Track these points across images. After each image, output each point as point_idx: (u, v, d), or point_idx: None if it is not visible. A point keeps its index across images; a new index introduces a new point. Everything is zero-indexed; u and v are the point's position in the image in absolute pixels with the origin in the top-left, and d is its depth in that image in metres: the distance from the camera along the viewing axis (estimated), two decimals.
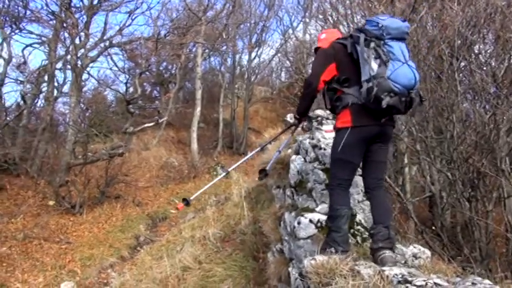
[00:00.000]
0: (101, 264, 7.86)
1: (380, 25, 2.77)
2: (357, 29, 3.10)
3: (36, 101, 14.17)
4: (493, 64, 5.58)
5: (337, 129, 2.98)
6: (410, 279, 2.01)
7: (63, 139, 12.34)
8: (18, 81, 13.72)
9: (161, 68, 20.12)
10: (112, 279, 7.26)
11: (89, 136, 11.86)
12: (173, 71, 19.73)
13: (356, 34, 2.88)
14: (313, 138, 4.56)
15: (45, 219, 9.28)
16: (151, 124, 14.65)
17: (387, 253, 2.62)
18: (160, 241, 8.52)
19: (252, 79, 19.23)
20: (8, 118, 12.19)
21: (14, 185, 10.82)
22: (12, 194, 10.41)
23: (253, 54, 18.73)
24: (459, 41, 5.23)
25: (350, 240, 3.31)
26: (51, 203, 10.02)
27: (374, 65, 2.72)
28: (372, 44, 2.77)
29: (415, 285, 1.89)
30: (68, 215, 9.87)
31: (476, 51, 5.81)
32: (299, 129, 4.24)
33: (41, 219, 9.23)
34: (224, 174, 5.19)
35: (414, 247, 3.12)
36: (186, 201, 4.07)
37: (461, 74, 5.82)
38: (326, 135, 4.65)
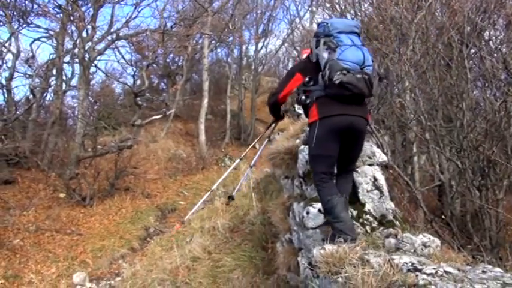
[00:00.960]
0: (112, 255, 7.96)
1: (327, 24, 3.05)
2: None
3: (45, 95, 14.30)
4: (504, 50, 5.49)
5: (308, 126, 3.15)
6: (420, 267, 2.00)
7: (72, 132, 12.45)
8: (27, 75, 13.85)
9: (168, 60, 20.14)
10: (123, 269, 7.35)
11: (97, 129, 11.94)
12: (180, 63, 19.74)
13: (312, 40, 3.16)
14: None
15: (56, 211, 9.40)
16: (159, 116, 14.71)
17: None
18: (170, 232, 8.60)
19: (259, 70, 19.18)
20: (17, 112, 12.29)
21: (25, 178, 10.96)
22: (23, 187, 10.55)
23: (260, 45, 18.67)
24: (469, 28, 5.15)
25: (359, 230, 3.31)
26: (62, 195, 10.15)
27: (325, 55, 2.95)
28: (322, 40, 3.01)
29: (425, 273, 1.88)
30: (79, 207, 9.99)
31: (486, 38, 5.72)
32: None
33: (52, 211, 9.36)
34: (237, 162, 5.24)
35: (424, 236, 3.10)
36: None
37: (471, 61, 5.74)
38: None
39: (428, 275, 1.84)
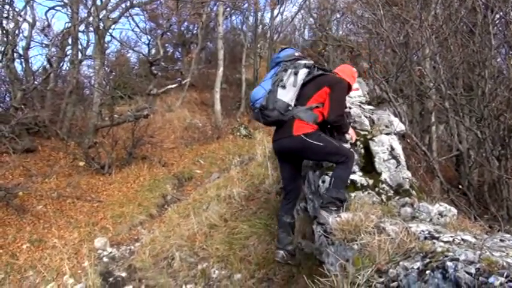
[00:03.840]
0: (131, 222, 8.18)
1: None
2: None
3: (61, 64, 14.38)
4: None
5: None
6: (437, 235, 2.00)
7: (89, 102, 12.57)
8: (43, 45, 13.92)
9: (182, 28, 19.92)
10: (142, 235, 7.57)
11: (114, 98, 12.02)
12: (195, 31, 19.51)
13: None
14: None
15: (76, 179, 9.64)
16: (175, 85, 14.70)
17: (321, 212, 3.23)
18: (187, 200, 8.77)
19: (275, 38, 18.82)
20: (36, 82, 12.43)
21: (46, 146, 11.20)
22: (44, 155, 10.80)
23: (275, 12, 18.24)
24: None
25: (375, 199, 3.33)
26: (81, 163, 10.37)
27: None
28: None
29: (442, 241, 1.88)
30: (98, 175, 10.22)
31: None
32: None
33: (73, 179, 9.60)
34: None
35: (440, 205, 3.10)
36: None
37: (495, 27, 5.52)
38: (352, 93, 4.57)
39: (445, 242, 1.84)
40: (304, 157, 3.64)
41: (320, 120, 3.37)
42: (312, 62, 3.59)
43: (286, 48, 3.77)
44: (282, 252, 3.62)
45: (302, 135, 3.28)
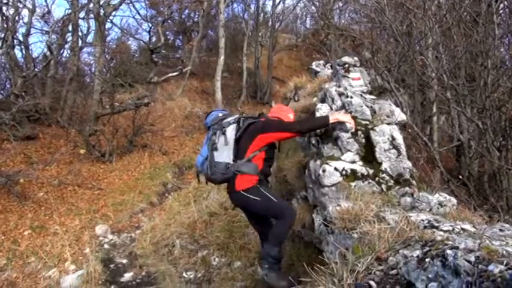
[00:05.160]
0: (132, 209, 8.23)
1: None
2: None
3: (62, 51, 14.32)
4: None
5: None
6: (436, 224, 2.01)
7: (90, 89, 12.54)
8: (44, 31, 13.85)
9: (183, 16, 19.77)
10: (143, 223, 7.62)
11: (114, 86, 11.98)
12: (196, 19, 19.36)
13: None
14: (339, 86, 4.47)
15: (77, 166, 9.67)
16: (175, 74, 14.64)
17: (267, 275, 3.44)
18: (187, 188, 8.80)
19: (276, 26, 18.68)
20: (36, 69, 12.39)
21: (46, 134, 11.21)
22: (45, 142, 10.82)
23: (277, 0, 18.06)
24: None
25: (375, 188, 3.34)
26: (82, 151, 10.38)
27: None
28: None
29: (441, 230, 1.89)
30: (99, 163, 10.25)
31: None
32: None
33: (74, 166, 9.63)
34: None
35: (440, 195, 3.10)
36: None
37: (499, 17, 5.47)
38: (353, 82, 4.55)
39: (445, 231, 1.85)
40: (250, 211, 3.77)
41: (261, 168, 3.56)
42: (237, 116, 3.75)
43: (211, 112, 3.91)
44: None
45: (241, 191, 3.47)
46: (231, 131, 3.58)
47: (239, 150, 3.54)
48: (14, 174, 8.28)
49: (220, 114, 3.76)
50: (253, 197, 3.43)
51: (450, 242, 1.56)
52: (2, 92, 13.29)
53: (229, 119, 3.68)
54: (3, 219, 7.38)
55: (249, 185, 3.48)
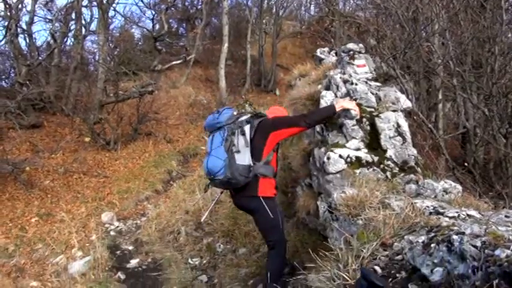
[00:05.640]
0: (137, 197, 8.29)
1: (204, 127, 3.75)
2: None
3: (65, 40, 14.29)
4: None
5: None
6: (442, 211, 2.01)
7: (94, 78, 12.54)
8: (47, 20, 13.80)
9: (187, 3, 19.60)
10: (148, 210, 7.68)
11: (118, 74, 11.98)
12: (199, 6, 19.21)
13: None
14: (344, 73, 4.44)
15: (82, 154, 9.73)
16: (179, 61, 14.59)
17: None
18: (192, 176, 8.83)
19: (280, 13, 18.49)
20: (40, 57, 12.39)
21: (51, 122, 11.26)
22: (50, 131, 10.87)
23: None
24: None
25: (380, 175, 3.34)
26: (87, 139, 10.43)
27: None
28: None
29: (447, 216, 1.90)
30: (104, 151, 10.30)
31: None
32: None
33: (79, 154, 9.69)
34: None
35: (445, 182, 3.10)
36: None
37: (507, 2, 5.39)
38: (358, 69, 4.51)
39: (450, 218, 1.85)
40: (253, 216, 3.67)
41: (276, 170, 3.60)
42: (249, 114, 3.62)
43: (223, 110, 3.66)
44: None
45: (261, 197, 3.38)
46: (247, 131, 3.40)
47: (254, 151, 3.39)
48: (20, 162, 8.35)
49: (235, 113, 3.57)
50: (269, 211, 3.37)
51: (456, 228, 1.56)
52: (6, 80, 13.34)
53: (243, 118, 3.52)
54: (10, 206, 7.47)
55: (271, 194, 3.46)
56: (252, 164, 3.33)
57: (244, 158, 3.34)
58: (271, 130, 3.47)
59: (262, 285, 3.73)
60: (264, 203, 3.37)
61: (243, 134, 3.39)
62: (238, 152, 3.32)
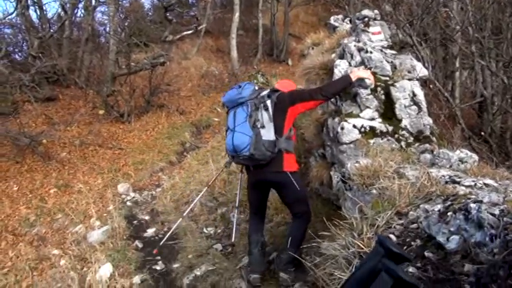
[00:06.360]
0: (151, 168, 8.41)
1: (222, 102, 3.64)
2: None
3: (76, 11, 14.15)
4: None
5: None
6: (458, 180, 2.00)
7: (106, 50, 12.49)
8: None
9: None
10: (163, 181, 7.80)
11: (130, 46, 11.91)
12: None
13: None
14: (359, 41, 4.34)
15: (97, 127, 9.83)
16: (190, 32, 14.42)
17: (281, 275, 3.42)
18: (205, 147, 8.90)
19: None
20: (51, 29, 12.35)
21: (66, 95, 11.35)
22: (64, 103, 10.98)
23: None
24: None
25: (394, 145, 3.31)
26: (101, 112, 10.52)
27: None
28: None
29: (463, 185, 1.88)
30: (118, 123, 10.39)
31: None
32: None
33: (94, 127, 9.80)
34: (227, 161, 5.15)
35: (461, 151, 3.06)
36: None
37: None
38: (373, 37, 4.40)
39: (467, 186, 1.84)
40: (278, 191, 3.64)
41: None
42: (267, 89, 3.60)
43: (244, 85, 3.57)
44: (258, 276, 3.56)
45: (288, 173, 3.39)
46: (269, 106, 3.38)
47: (276, 126, 3.37)
48: (37, 135, 8.49)
49: (256, 88, 3.54)
50: (297, 185, 3.40)
51: (473, 196, 1.56)
52: (19, 53, 13.38)
53: (264, 92, 3.49)
54: (29, 178, 7.66)
55: (296, 168, 3.48)
56: (275, 139, 3.33)
57: (269, 133, 3.33)
58: (289, 105, 3.46)
59: (276, 253, 3.78)
60: (291, 177, 3.40)
61: (266, 109, 3.38)
62: (263, 127, 3.31)
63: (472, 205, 1.41)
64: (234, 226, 4.62)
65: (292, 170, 3.42)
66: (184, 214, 5.04)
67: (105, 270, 4.64)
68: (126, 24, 14.37)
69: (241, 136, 3.31)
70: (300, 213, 3.49)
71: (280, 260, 3.48)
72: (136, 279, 4.53)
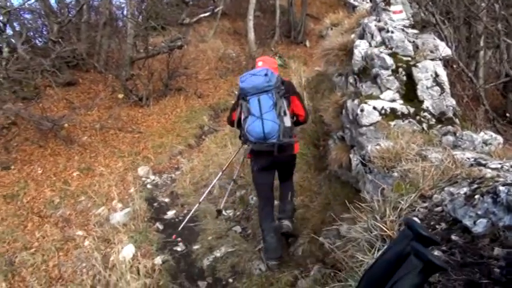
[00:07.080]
0: (171, 152, 8.50)
1: (240, 87, 3.56)
2: None
3: None
4: None
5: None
6: (484, 162, 1.95)
7: (123, 33, 12.53)
8: None
9: None
10: (182, 164, 7.88)
11: (147, 29, 11.91)
12: None
13: None
14: (379, 21, 4.24)
15: (116, 111, 9.95)
16: (207, 14, 14.32)
17: (284, 221, 3.81)
18: (224, 131, 8.92)
19: None
20: (70, 14, 12.43)
21: (85, 79, 11.48)
22: (84, 88, 11.11)
23: None
24: None
25: (415, 127, 3.26)
26: (120, 96, 10.62)
27: (242, 117, 3.61)
28: (242, 102, 3.58)
29: (489, 167, 1.84)
30: (137, 107, 10.49)
31: None
32: None
33: (113, 111, 9.91)
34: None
35: (485, 133, 2.99)
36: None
37: None
38: (394, 16, 4.30)
39: (493, 169, 1.80)
40: (284, 168, 3.96)
41: None
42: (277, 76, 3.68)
43: (268, 71, 3.55)
44: (275, 263, 3.82)
45: (296, 154, 3.91)
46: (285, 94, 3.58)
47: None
48: (59, 119, 8.65)
49: (276, 74, 3.61)
50: (294, 162, 4.03)
51: (501, 179, 1.52)
52: (40, 39, 13.53)
53: (280, 80, 3.62)
54: (53, 161, 7.84)
55: (297, 151, 3.91)
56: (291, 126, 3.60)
57: (288, 120, 3.52)
58: (291, 94, 3.69)
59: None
60: (295, 156, 3.95)
61: (286, 97, 3.56)
62: (285, 114, 3.49)
63: (501, 188, 1.37)
64: (227, 194, 4.95)
65: (296, 152, 3.89)
66: (201, 199, 5.11)
67: (128, 251, 4.77)
68: (143, 7, 14.33)
69: (272, 124, 3.41)
70: (291, 175, 4.11)
71: (285, 210, 3.91)
72: (158, 259, 4.64)
